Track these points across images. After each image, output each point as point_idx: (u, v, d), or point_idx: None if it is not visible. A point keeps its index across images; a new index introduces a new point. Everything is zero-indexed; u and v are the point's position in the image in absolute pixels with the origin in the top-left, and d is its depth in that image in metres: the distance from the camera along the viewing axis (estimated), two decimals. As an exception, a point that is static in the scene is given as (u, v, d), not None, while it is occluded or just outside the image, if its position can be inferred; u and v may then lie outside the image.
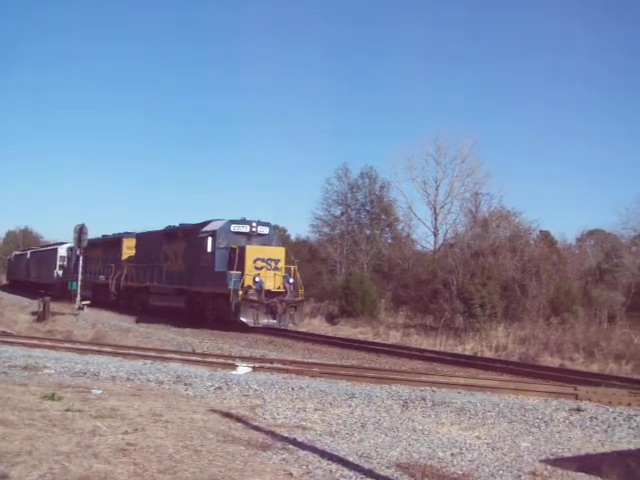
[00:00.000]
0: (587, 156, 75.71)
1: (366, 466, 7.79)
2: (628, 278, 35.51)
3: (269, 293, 28.26)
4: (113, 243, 44.58)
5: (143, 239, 40.18)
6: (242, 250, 28.68)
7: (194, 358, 17.69)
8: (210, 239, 29.60)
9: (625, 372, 20.23)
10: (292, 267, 29.61)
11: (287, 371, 15.64)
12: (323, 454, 8.20)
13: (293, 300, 28.81)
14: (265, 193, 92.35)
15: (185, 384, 13.06)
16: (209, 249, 29.50)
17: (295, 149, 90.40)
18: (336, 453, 8.27)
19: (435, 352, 23.37)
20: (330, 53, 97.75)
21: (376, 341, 27.53)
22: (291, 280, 28.87)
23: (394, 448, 8.77)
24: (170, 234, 35.82)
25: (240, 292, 27.54)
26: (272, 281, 28.70)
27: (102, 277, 43.71)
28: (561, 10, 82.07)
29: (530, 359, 22.60)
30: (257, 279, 28.04)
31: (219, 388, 12.80)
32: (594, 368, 21.07)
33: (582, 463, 8.37)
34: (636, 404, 12.52)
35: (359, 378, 14.87)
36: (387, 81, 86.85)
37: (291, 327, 28.97)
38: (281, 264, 29.37)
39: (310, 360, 19.34)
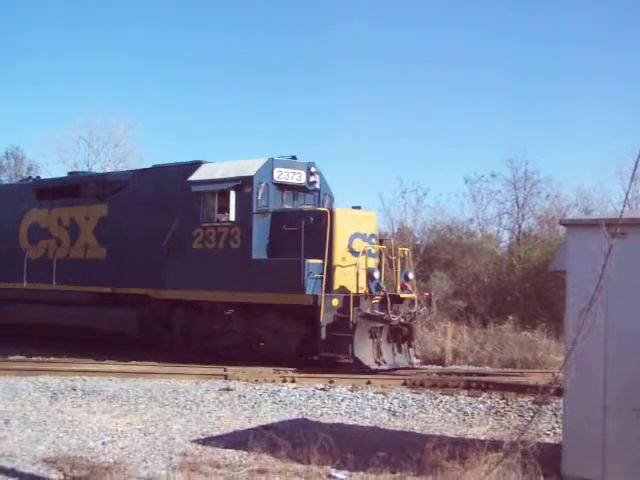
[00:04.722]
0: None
1: (8, 465, 7.36)
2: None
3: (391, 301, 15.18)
4: None
5: None
6: (328, 218, 14.99)
7: None
8: (234, 195, 15.69)
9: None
10: (405, 250, 16.99)
11: None
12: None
13: (421, 313, 16.62)
14: None
15: None
16: (232, 216, 15.75)
17: None
18: (-29, 455, 7.68)
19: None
20: None
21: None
22: (410, 275, 16.53)
23: (41, 443, 8.41)
24: (49, 190, 20.51)
25: (334, 301, 14.63)
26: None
27: None
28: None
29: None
30: (376, 274, 15.21)
31: None
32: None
33: (231, 439, 8.75)
34: (280, 380, 13.37)
35: (2, 371, 13.97)
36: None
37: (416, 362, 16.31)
38: (376, 244, 16.32)
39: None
